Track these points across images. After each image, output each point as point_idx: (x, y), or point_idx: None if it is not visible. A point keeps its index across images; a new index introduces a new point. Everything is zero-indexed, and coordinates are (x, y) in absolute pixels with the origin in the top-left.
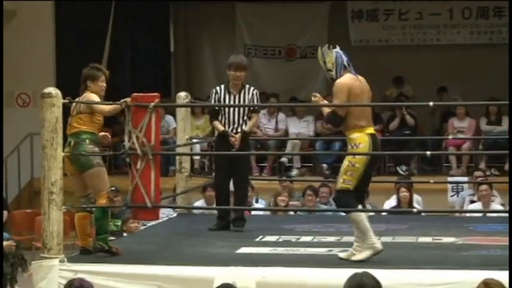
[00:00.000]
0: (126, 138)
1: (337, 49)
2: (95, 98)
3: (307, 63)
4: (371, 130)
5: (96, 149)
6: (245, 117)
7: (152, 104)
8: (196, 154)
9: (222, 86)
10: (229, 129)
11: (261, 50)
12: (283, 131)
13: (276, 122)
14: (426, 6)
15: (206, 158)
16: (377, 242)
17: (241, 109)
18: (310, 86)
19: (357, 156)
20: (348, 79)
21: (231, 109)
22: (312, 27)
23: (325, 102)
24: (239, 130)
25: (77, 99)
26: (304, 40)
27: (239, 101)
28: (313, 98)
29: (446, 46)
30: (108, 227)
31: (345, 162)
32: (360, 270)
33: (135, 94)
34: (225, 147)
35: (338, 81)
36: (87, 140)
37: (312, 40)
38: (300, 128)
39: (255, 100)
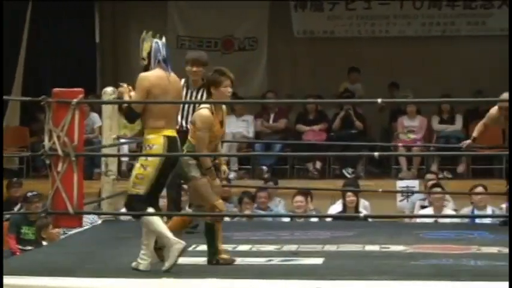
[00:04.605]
0: (46, 137)
1: (161, 40)
2: (205, 112)
3: (246, 56)
4: (170, 132)
5: (192, 162)
6: None
7: (75, 100)
8: (124, 155)
9: (183, 80)
10: (183, 126)
11: (195, 41)
12: None
13: None
14: None
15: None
16: (179, 240)
17: (197, 106)
18: (250, 81)
19: (149, 159)
20: (153, 76)
21: (186, 105)
22: (251, 17)
23: (131, 95)
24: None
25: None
26: (242, 31)
27: (196, 99)
28: (120, 89)
29: (396, 38)
30: (216, 242)
31: (137, 165)
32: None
33: (56, 89)
34: (175, 144)
35: (142, 74)
36: (185, 150)
37: (251, 31)
38: (239, 127)
39: None
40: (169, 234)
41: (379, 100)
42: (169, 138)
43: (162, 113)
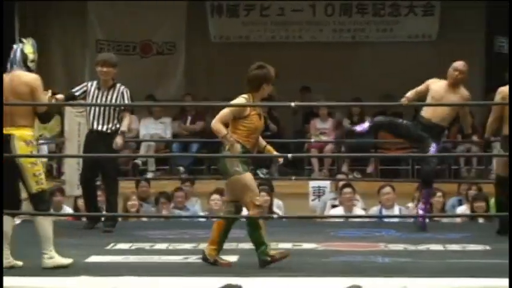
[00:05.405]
0: None
1: (18, 45)
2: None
3: (164, 60)
4: (5, 130)
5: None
6: (113, 116)
7: None
8: (43, 156)
9: (95, 82)
10: (95, 126)
11: (114, 45)
12: (136, 132)
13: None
14: (288, 2)
15: (54, 161)
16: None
17: (108, 107)
18: (167, 84)
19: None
20: None
21: (97, 107)
22: (169, 22)
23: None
24: (104, 129)
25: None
26: (160, 35)
27: (107, 99)
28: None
29: (308, 44)
30: (262, 238)
31: (25, 165)
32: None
33: None
34: (92, 144)
35: None
36: (226, 147)
37: (169, 36)
38: (157, 129)
39: (125, 98)
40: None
41: (293, 104)
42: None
43: (5, 113)
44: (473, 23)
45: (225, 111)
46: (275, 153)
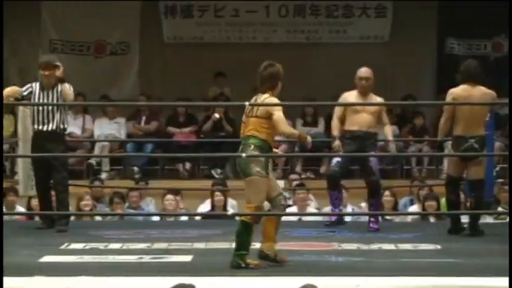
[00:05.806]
0: None
1: None
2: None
3: (118, 60)
4: None
5: (260, 158)
6: (58, 115)
7: None
8: None
9: (38, 83)
10: (41, 127)
11: (68, 45)
12: (91, 132)
13: (83, 123)
14: (242, 3)
15: (8, 161)
16: None
17: (51, 106)
18: (121, 84)
19: None
20: None
21: (41, 108)
22: (123, 22)
23: None
24: (49, 128)
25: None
26: (114, 36)
27: (52, 99)
28: None
29: (262, 44)
30: (250, 244)
31: None
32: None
33: None
34: (39, 144)
35: None
36: (252, 146)
37: (123, 36)
38: (111, 129)
39: (67, 92)
40: None
41: (247, 103)
42: None
43: None
44: (425, 25)
45: (282, 115)
46: (280, 153)
